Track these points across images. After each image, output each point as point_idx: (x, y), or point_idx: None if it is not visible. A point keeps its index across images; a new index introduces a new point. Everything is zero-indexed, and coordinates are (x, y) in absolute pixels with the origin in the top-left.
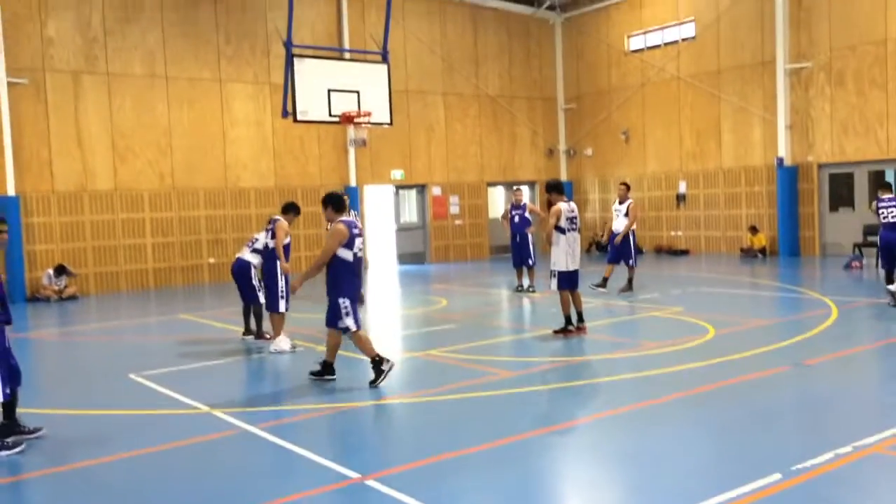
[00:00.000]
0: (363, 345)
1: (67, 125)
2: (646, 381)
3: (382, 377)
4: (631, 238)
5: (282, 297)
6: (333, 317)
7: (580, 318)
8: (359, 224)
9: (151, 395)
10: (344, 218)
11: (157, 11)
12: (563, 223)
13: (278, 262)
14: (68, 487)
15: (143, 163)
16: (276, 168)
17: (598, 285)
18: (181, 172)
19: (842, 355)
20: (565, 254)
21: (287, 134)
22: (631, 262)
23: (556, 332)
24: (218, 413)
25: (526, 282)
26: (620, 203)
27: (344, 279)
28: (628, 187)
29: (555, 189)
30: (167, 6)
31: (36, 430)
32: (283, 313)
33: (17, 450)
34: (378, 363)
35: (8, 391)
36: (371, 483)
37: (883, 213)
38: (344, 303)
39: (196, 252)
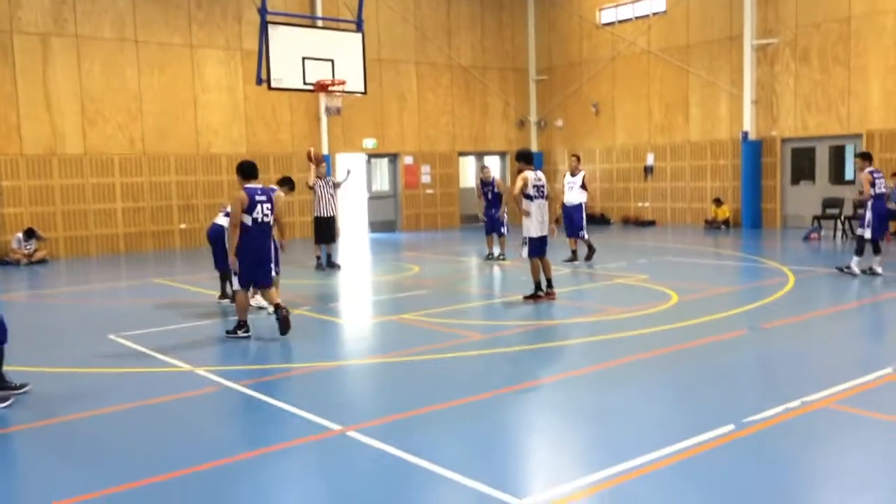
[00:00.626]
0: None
1: (36, 88)
2: (610, 343)
3: (281, 325)
4: (582, 210)
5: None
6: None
7: (549, 285)
8: (268, 190)
9: (132, 353)
10: (248, 185)
11: None
12: (531, 191)
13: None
14: (56, 440)
15: (112, 127)
16: (247, 135)
17: (569, 259)
18: (152, 137)
19: (796, 320)
20: (535, 220)
21: (259, 101)
22: (582, 233)
23: (526, 297)
24: (200, 371)
25: (497, 250)
26: (573, 175)
27: (241, 243)
28: (579, 159)
29: (523, 158)
30: None
31: (22, 385)
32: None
33: (4, 404)
34: (278, 310)
35: None
36: (352, 434)
37: (879, 184)
38: (234, 265)
39: (167, 217)
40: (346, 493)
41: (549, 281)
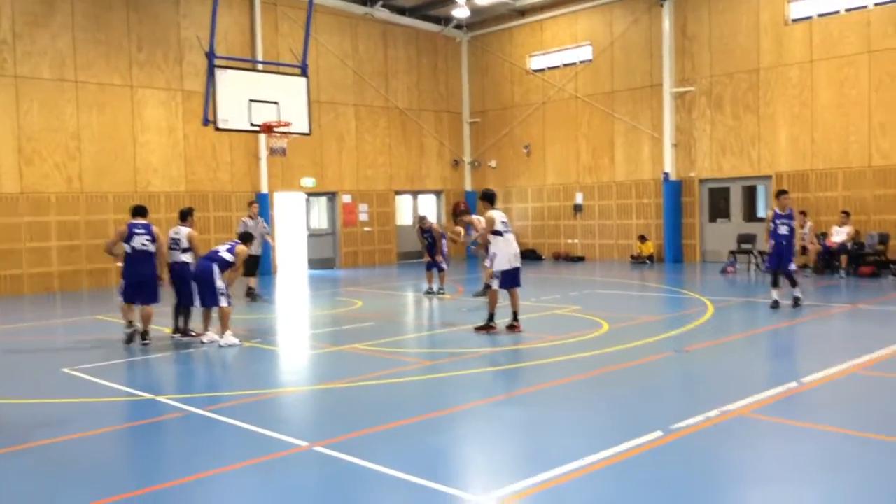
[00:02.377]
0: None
1: None
2: (548, 366)
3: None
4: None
5: (222, 294)
6: None
7: (515, 317)
8: (150, 227)
9: (91, 385)
10: (130, 221)
11: (69, 17)
12: (500, 227)
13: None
14: (32, 463)
15: (50, 166)
16: (187, 174)
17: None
18: (90, 176)
19: (715, 343)
20: (506, 254)
21: (199, 140)
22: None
23: (478, 328)
24: (162, 399)
25: (436, 286)
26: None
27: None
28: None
29: (487, 199)
30: (79, 12)
31: None
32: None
33: None
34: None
35: None
36: (319, 449)
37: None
38: (120, 285)
39: (103, 256)
40: (318, 496)
41: (514, 314)
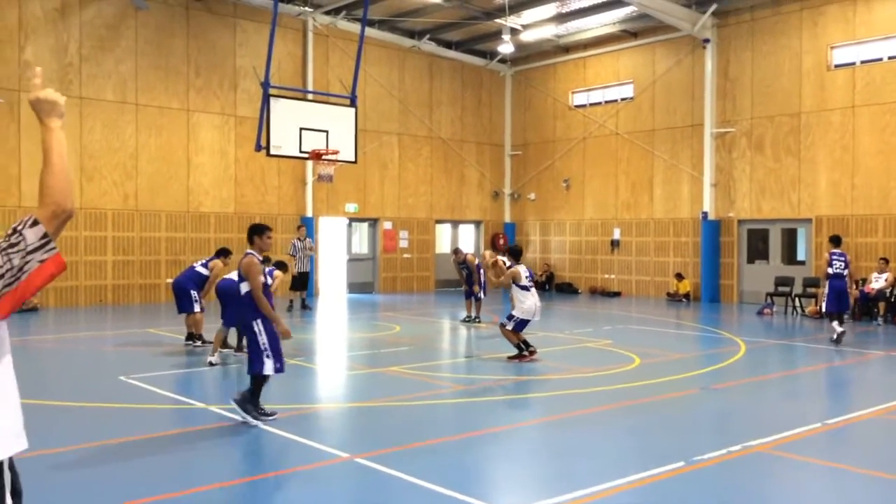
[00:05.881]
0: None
1: (38, 144)
2: (577, 396)
3: None
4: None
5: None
6: None
7: (527, 345)
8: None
9: (148, 393)
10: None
11: (133, 43)
12: (525, 282)
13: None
14: (85, 461)
15: (108, 183)
16: (236, 196)
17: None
18: (145, 195)
19: (743, 382)
20: (534, 305)
21: (249, 164)
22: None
23: (510, 358)
24: (213, 408)
25: (474, 313)
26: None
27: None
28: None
29: (512, 254)
30: (142, 38)
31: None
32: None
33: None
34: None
35: None
36: (359, 460)
37: (834, 264)
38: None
39: (154, 271)
40: (359, 502)
41: (525, 343)
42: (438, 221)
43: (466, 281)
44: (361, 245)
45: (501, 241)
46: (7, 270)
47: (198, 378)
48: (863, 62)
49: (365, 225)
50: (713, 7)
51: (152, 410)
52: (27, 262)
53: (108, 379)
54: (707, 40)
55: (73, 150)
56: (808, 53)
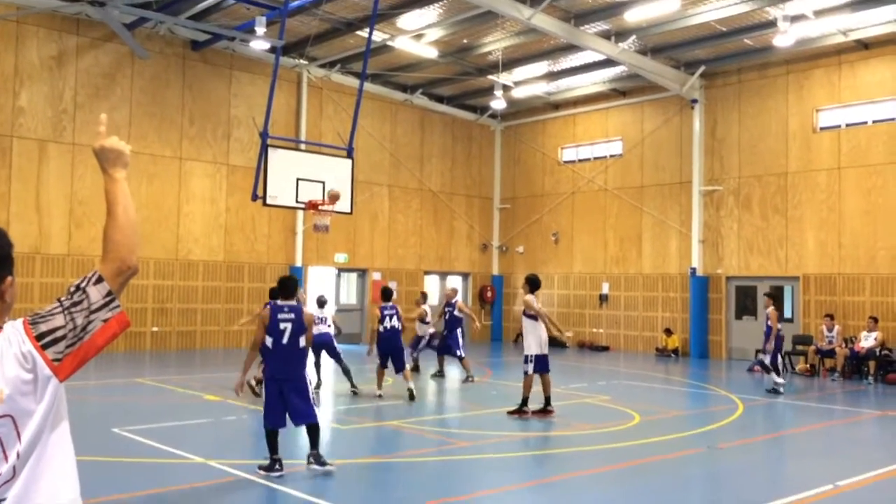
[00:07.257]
0: None
1: (28, 190)
2: (581, 454)
3: None
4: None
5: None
6: None
7: (547, 402)
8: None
9: (142, 446)
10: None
11: (128, 91)
12: (534, 310)
13: None
14: None
15: (98, 230)
16: (226, 244)
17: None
18: None
19: (747, 442)
20: (539, 339)
21: (239, 212)
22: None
23: (510, 412)
24: (212, 463)
25: (460, 371)
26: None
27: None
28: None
29: (531, 283)
30: (137, 88)
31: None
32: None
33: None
34: None
35: None
36: None
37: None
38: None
39: (140, 320)
40: None
41: (547, 399)
42: (427, 272)
43: (446, 326)
44: (350, 295)
45: (489, 294)
46: (70, 331)
47: (193, 431)
48: (848, 125)
49: (354, 275)
50: (701, 69)
51: (151, 465)
52: (90, 322)
53: (101, 431)
54: (695, 101)
55: (64, 196)
56: (795, 116)
